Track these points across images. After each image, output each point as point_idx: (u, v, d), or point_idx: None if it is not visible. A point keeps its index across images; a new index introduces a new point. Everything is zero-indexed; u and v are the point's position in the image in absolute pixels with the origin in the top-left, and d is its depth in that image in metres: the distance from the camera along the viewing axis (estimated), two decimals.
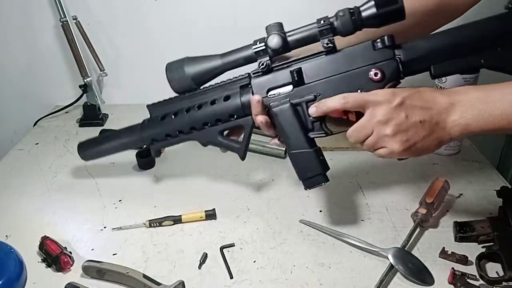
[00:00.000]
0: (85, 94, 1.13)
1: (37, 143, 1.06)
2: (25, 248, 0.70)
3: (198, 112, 0.74)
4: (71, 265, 0.68)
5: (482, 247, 0.69)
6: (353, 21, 0.63)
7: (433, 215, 0.75)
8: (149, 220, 0.77)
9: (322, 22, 0.65)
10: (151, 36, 1.16)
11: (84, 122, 1.13)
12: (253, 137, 0.99)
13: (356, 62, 0.65)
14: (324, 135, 0.68)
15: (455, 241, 0.71)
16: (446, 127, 0.60)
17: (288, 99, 0.68)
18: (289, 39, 0.66)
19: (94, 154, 0.86)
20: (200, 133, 0.76)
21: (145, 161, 0.94)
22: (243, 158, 0.75)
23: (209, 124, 0.74)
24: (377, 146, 0.63)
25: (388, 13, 0.62)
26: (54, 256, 0.68)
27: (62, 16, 1.06)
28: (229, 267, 0.68)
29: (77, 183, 0.90)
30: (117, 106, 1.21)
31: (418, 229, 0.73)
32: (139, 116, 1.15)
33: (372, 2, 0.62)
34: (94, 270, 0.66)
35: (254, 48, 0.68)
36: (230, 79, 0.73)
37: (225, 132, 0.75)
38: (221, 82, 0.74)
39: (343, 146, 0.98)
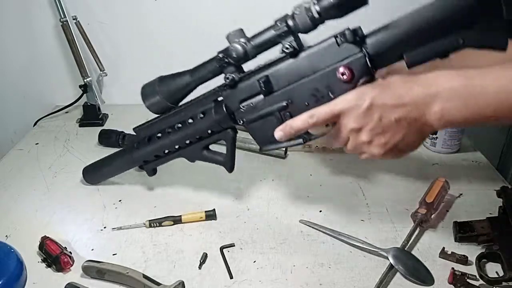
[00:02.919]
0: (85, 94, 1.13)
1: (37, 143, 1.06)
2: (25, 248, 0.70)
3: (179, 131, 0.76)
4: (71, 265, 0.68)
5: (482, 247, 0.69)
6: (311, 17, 0.58)
7: (433, 215, 0.75)
8: (149, 220, 0.77)
9: (278, 25, 0.62)
10: (151, 36, 1.16)
11: (84, 122, 1.13)
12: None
13: (321, 62, 0.61)
14: (302, 142, 0.66)
15: (455, 241, 0.71)
16: (427, 120, 0.54)
17: (260, 111, 0.67)
18: (249, 47, 0.64)
19: (97, 178, 0.89)
20: (185, 151, 0.78)
21: None
22: (230, 170, 0.77)
23: (191, 142, 0.76)
24: (357, 151, 0.60)
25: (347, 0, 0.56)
26: (54, 256, 0.68)
27: (62, 16, 1.05)
28: (229, 267, 0.68)
29: (77, 183, 0.90)
30: (117, 106, 1.21)
31: (418, 229, 0.73)
32: (139, 116, 1.15)
33: None
34: (94, 270, 0.66)
35: (218, 61, 0.67)
36: (205, 93, 0.73)
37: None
38: (197, 97, 0.74)
39: None
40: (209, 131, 0.73)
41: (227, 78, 0.67)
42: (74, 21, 1.09)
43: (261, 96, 0.66)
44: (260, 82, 0.65)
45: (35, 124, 1.16)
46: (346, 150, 0.61)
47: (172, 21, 1.14)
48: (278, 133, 0.64)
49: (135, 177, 0.91)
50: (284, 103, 0.64)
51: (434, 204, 0.75)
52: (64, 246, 0.71)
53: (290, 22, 0.60)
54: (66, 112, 1.20)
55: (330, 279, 0.66)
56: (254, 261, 0.69)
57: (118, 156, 0.86)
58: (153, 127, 0.80)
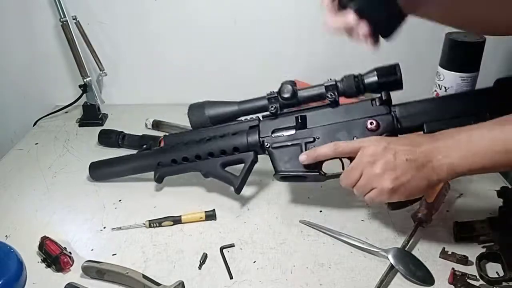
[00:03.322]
0: (85, 94, 1.12)
1: (37, 143, 1.06)
2: (25, 248, 0.70)
3: (207, 143, 0.81)
4: (71, 265, 0.68)
5: (482, 247, 0.69)
6: (356, 85, 0.72)
7: (433, 215, 0.75)
8: (149, 221, 0.77)
9: (328, 80, 0.74)
10: (151, 36, 1.16)
11: (84, 122, 1.13)
12: None
13: (355, 115, 0.73)
14: (317, 173, 0.73)
15: (455, 241, 0.71)
16: (433, 167, 0.61)
17: (287, 142, 0.75)
18: (298, 93, 0.75)
19: (104, 175, 0.89)
20: (203, 163, 0.81)
21: None
22: (238, 191, 0.79)
23: (213, 155, 0.80)
24: (367, 187, 0.65)
25: (387, 82, 0.71)
26: (54, 256, 0.68)
27: (62, 16, 1.05)
28: (229, 267, 0.68)
29: (77, 183, 0.90)
30: (117, 106, 1.21)
31: (418, 229, 0.73)
32: (138, 116, 1.16)
33: (374, 72, 0.71)
34: (94, 270, 0.66)
35: (268, 95, 0.77)
36: (242, 120, 0.81)
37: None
38: (233, 122, 0.81)
39: None
40: (234, 148, 0.78)
41: (272, 108, 0.77)
42: (74, 21, 1.09)
43: (293, 131, 0.76)
44: (298, 119, 0.75)
45: (35, 124, 1.16)
46: (357, 188, 0.66)
47: (172, 21, 1.14)
48: (303, 156, 0.72)
49: (135, 177, 0.91)
50: (311, 138, 0.74)
51: (434, 204, 0.75)
52: (64, 246, 0.71)
53: (339, 84, 0.73)
54: (66, 112, 1.20)
55: (330, 279, 0.66)
56: (254, 261, 0.69)
57: (135, 157, 0.88)
58: (184, 137, 0.84)
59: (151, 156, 0.85)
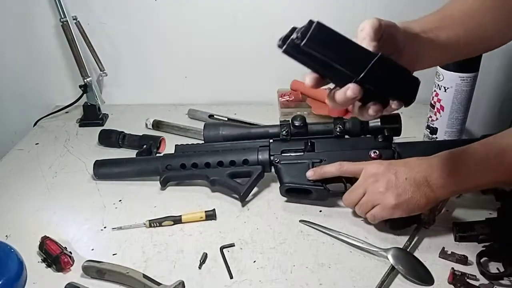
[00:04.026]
0: (85, 94, 1.12)
1: (37, 143, 1.06)
2: (25, 248, 0.70)
3: (217, 153, 0.84)
4: (71, 265, 0.68)
5: (482, 246, 0.69)
6: (361, 127, 0.81)
7: (436, 216, 0.75)
8: (149, 220, 0.77)
9: (337, 122, 0.82)
10: (151, 36, 1.16)
11: (84, 122, 1.13)
12: None
13: (360, 146, 0.81)
14: (321, 187, 0.78)
15: (455, 241, 0.72)
16: (430, 185, 0.66)
17: (295, 161, 0.81)
18: (308, 125, 0.83)
19: (108, 174, 0.89)
20: (211, 171, 0.83)
21: None
22: (242, 198, 0.81)
23: (223, 164, 0.83)
24: (369, 204, 0.70)
25: (388, 129, 0.81)
26: (54, 256, 0.68)
27: (62, 16, 1.05)
28: (229, 267, 0.68)
29: (77, 183, 0.90)
30: (117, 106, 1.21)
31: (418, 230, 0.73)
32: (139, 116, 1.16)
33: (378, 118, 0.80)
34: (94, 270, 0.66)
35: (281, 122, 0.84)
36: (252, 141, 0.86)
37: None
38: (244, 141, 0.87)
39: None
40: (244, 161, 0.82)
41: (284, 132, 0.83)
42: (74, 21, 1.09)
43: (302, 152, 0.82)
44: (308, 143, 0.82)
45: (35, 124, 1.16)
46: (360, 205, 0.71)
47: (172, 21, 1.14)
48: (310, 172, 0.78)
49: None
50: (318, 160, 0.80)
51: (438, 205, 0.75)
52: (64, 246, 0.71)
53: (346, 123, 0.82)
54: (66, 112, 1.20)
55: (330, 279, 0.66)
56: (254, 261, 0.70)
57: (142, 160, 0.89)
58: (195, 147, 0.87)
59: (159, 160, 0.86)
